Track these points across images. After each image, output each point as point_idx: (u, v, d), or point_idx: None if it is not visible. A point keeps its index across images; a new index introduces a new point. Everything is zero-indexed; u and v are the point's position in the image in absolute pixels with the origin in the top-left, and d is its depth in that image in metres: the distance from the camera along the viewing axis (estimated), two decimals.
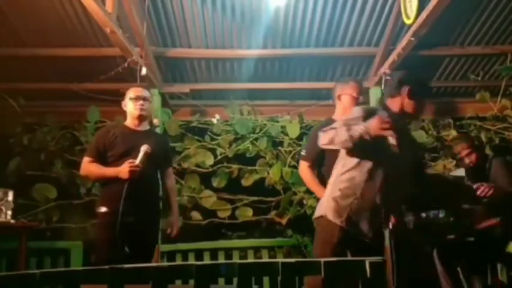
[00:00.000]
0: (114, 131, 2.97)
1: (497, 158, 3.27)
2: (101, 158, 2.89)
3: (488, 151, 4.42)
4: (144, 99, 3.00)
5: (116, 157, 2.85)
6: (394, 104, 2.39)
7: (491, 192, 2.93)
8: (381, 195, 2.24)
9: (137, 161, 2.74)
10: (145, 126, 3.06)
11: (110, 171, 2.82)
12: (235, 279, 1.42)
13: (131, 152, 2.83)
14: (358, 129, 2.16)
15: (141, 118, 3.00)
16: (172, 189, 3.21)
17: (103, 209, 2.81)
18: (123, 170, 2.73)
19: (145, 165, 2.76)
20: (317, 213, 2.42)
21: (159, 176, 3.09)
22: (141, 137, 2.94)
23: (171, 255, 4.30)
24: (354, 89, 2.95)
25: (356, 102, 2.92)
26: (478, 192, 2.95)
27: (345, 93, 2.98)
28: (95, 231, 3.05)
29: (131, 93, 3.01)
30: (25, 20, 4.02)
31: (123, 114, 3.16)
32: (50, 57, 4.37)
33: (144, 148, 2.76)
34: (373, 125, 2.15)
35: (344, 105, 2.95)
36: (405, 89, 2.35)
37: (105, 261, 2.48)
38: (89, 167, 2.89)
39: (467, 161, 3.32)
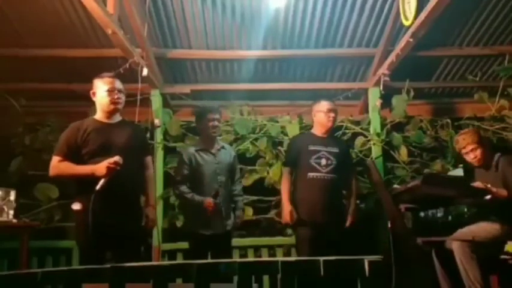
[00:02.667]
0: (85, 126, 2.71)
1: (505, 156, 3.22)
2: (72, 156, 2.64)
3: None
4: (120, 91, 2.78)
5: (91, 154, 2.64)
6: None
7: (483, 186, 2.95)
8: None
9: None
10: (117, 118, 2.84)
11: (85, 169, 2.58)
12: (235, 278, 1.44)
13: (107, 147, 2.64)
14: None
15: (115, 111, 2.79)
16: (149, 179, 2.95)
17: (76, 207, 2.59)
18: (99, 167, 2.51)
19: (123, 161, 2.57)
20: None
21: (139, 169, 2.87)
22: (115, 130, 2.76)
23: (171, 254, 4.33)
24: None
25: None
26: (475, 185, 2.98)
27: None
28: (74, 231, 2.78)
29: (107, 84, 2.74)
30: (26, 20, 4.04)
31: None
32: (51, 57, 4.39)
33: (116, 159, 2.54)
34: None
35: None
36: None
37: (85, 263, 2.41)
38: (59, 166, 2.63)
39: (472, 156, 3.24)
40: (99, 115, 2.81)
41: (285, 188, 3.52)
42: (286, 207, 3.44)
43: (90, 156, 2.64)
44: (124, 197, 2.67)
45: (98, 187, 2.48)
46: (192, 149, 3.51)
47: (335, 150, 3.53)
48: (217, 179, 3.41)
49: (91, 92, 2.81)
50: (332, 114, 3.55)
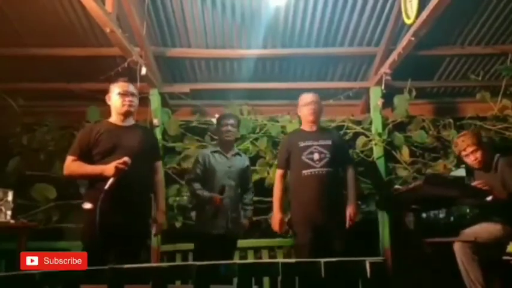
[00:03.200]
0: (98, 128, 2.82)
1: (504, 157, 3.18)
2: (85, 157, 2.74)
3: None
4: (133, 94, 2.91)
5: (102, 155, 2.73)
6: None
7: (486, 187, 2.93)
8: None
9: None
10: (130, 122, 2.95)
11: (94, 169, 2.68)
12: (235, 280, 1.42)
13: (117, 149, 2.73)
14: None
15: (128, 114, 2.90)
16: (159, 184, 3.06)
17: (87, 206, 2.66)
18: (108, 167, 2.60)
19: (132, 163, 2.64)
20: None
21: (148, 172, 2.95)
22: (126, 132, 2.85)
23: (170, 256, 4.30)
24: None
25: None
26: (475, 184, 2.96)
27: None
28: (81, 230, 2.80)
29: (120, 88, 2.88)
30: (25, 19, 4.02)
31: None
32: (49, 57, 4.37)
33: (125, 159, 2.62)
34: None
35: None
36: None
37: (89, 263, 2.46)
38: (72, 165, 2.73)
39: (472, 158, 3.21)
40: (113, 118, 2.93)
41: (276, 194, 3.44)
42: (276, 215, 3.37)
43: (101, 157, 2.73)
44: (132, 198, 2.74)
45: (106, 187, 2.56)
46: (207, 151, 3.70)
47: (327, 142, 3.37)
48: (226, 182, 3.48)
49: (106, 96, 2.94)
50: (312, 106, 3.43)
